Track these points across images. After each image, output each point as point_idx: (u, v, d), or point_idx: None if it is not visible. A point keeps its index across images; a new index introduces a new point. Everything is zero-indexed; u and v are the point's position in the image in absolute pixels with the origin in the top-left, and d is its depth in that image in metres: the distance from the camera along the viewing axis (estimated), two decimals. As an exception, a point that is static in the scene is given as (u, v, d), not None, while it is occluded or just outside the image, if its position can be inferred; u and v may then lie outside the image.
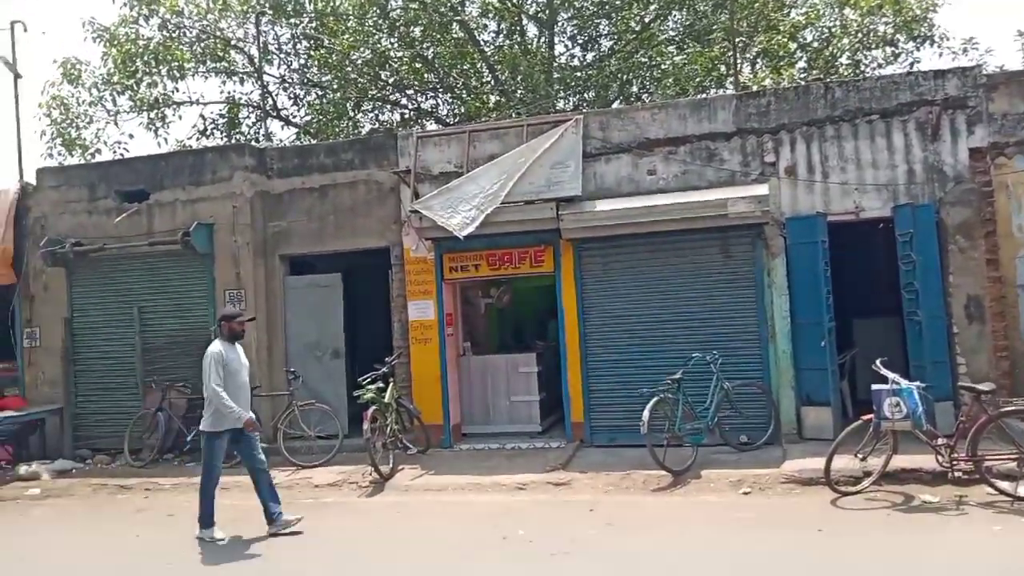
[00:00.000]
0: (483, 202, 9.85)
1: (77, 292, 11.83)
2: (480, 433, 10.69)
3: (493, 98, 19.12)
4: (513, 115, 16.58)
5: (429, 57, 19.04)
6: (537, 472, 8.72)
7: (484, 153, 10.43)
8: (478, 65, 19.40)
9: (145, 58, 18.14)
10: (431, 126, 18.58)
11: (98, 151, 18.53)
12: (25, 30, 15.80)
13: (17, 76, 14.57)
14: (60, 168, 13.29)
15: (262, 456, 7.24)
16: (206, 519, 7.09)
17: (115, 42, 18.18)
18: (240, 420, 7.03)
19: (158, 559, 6.70)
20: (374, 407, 9.10)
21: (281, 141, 19.97)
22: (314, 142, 17.68)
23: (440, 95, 19.95)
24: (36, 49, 25.69)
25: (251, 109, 19.71)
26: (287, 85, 19.91)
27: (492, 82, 19.28)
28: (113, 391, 11.57)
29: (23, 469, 10.52)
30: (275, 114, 19.75)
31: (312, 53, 19.38)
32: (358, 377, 9.67)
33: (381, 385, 9.48)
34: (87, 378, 11.75)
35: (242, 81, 19.59)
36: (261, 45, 19.09)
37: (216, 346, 7.21)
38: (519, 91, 18.09)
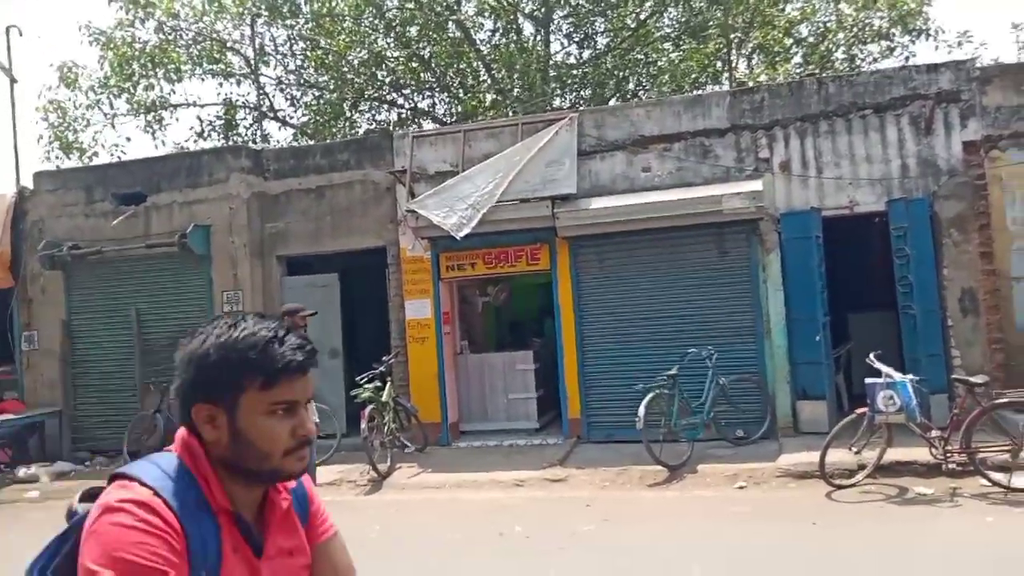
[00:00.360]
0: (479, 201, 9.89)
1: (75, 295, 11.87)
2: (478, 431, 10.72)
3: (490, 97, 19.16)
4: (510, 113, 16.62)
5: (425, 56, 19.08)
6: (534, 469, 8.76)
7: (479, 152, 10.46)
8: (474, 64, 19.44)
9: (142, 61, 18.21)
10: (428, 125, 18.61)
11: (96, 154, 18.64)
12: (20, 34, 15.84)
13: (13, 81, 14.59)
14: (57, 172, 13.32)
15: (314, 459, 7.08)
16: None
17: (111, 45, 18.24)
18: None
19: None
20: (371, 406, 9.14)
21: (278, 142, 20.03)
22: (311, 143, 17.73)
23: (437, 94, 20.00)
24: (32, 53, 25.76)
25: (248, 111, 19.74)
26: (284, 86, 19.98)
27: (488, 81, 19.31)
28: (111, 393, 11.61)
29: (22, 472, 10.57)
30: (272, 115, 19.79)
31: (308, 54, 19.43)
32: (356, 376, 9.71)
33: (378, 384, 9.51)
34: (85, 380, 11.79)
35: (239, 83, 19.68)
36: (257, 47, 19.10)
37: None
38: (515, 89, 18.13)
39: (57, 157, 18.44)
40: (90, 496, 1.48)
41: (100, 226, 11.67)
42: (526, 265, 10.41)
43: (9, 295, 12.11)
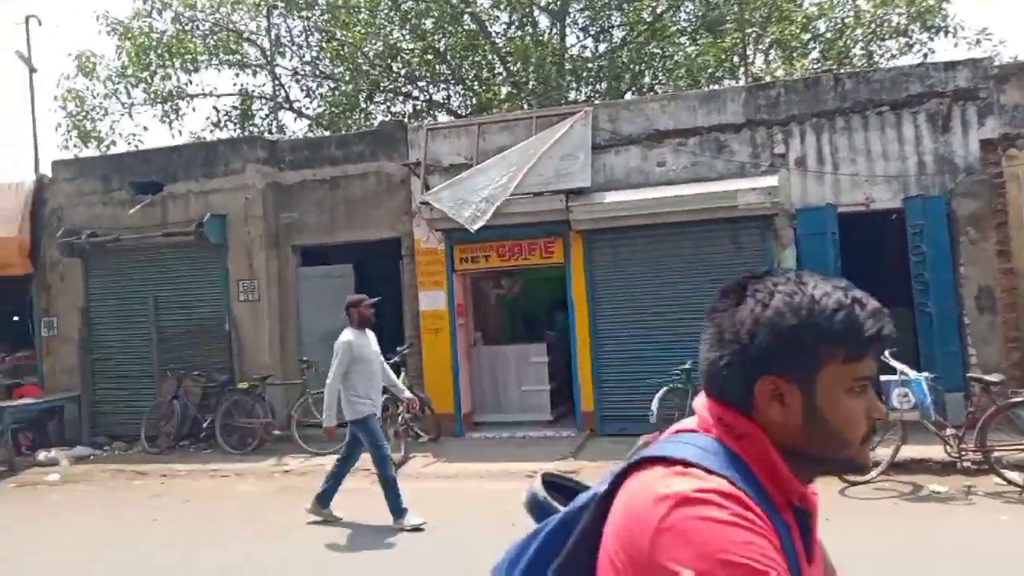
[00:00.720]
0: (493, 194, 9.92)
1: (93, 282, 12.00)
2: (491, 422, 10.77)
3: (505, 89, 19.16)
4: (524, 106, 16.63)
5: (441, 49, 19.09)
6: (547, 460, 8.77)
7: (494, 145, 10.48)
8: (489, 57, 19.44)
9: (159, 51, 18.33)
10: (443, 117, 18.64)
11: (113, 143, 18.80)
12: (40, 24, 15.98)
13: (32, 70, 14.73)
14: (75, 160, 13.44)
15: (359, 453, 7.07)
16: (396, 511, 6.73)
17: (129, 35, 18.37)
18: (329, 420, 6.88)
19: (173, 544, 6.81)
20: (386, 395, 9.19)
21: (294, 133, 20.13)
22: (326, 134, 17.79)
23: (452, 87, 20.02)
24: (51, 43, 25.95)
25: (264, 101, 19.84)
26: (299, 77, 20.04)
27: (504, 74, 19.31)
28: (129, 379, 11.74)
29: (42, 455, 10.71)
30: (288, 106, 19.88)
31: (324, 45, 19.48)
32: (370, 367, 9.74)
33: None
34: (104, 367, 11.92)
35: (255, 73, 19.76)
36: (273, 38, 19.20)
37: (347, 335, 6.84)
38: (530, 82, 18.13)
39: (75, 145, 18.64)
40: (554, 485, 1.29)
41: (118, 214, 11.78)
42: (540, 258, 10.44)
43: (28, 282, 12.25)
